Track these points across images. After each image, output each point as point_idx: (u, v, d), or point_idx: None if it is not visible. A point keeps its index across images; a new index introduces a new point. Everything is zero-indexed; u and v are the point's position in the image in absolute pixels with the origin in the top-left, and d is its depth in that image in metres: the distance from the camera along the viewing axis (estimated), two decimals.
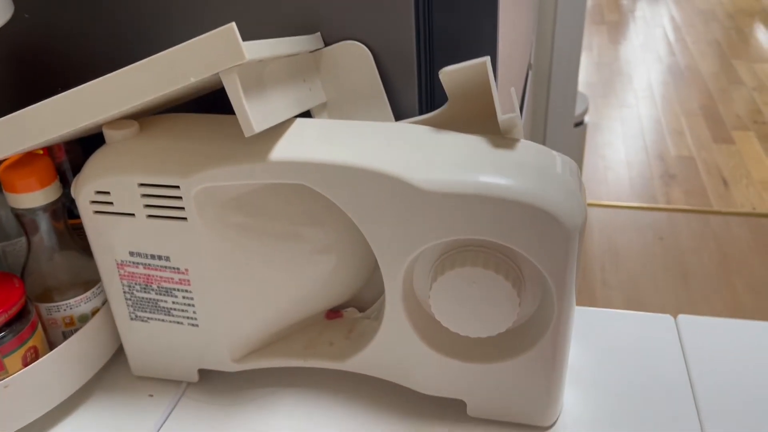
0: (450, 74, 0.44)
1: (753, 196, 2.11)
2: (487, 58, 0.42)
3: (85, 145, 0.57)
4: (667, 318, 0.58)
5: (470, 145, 0.44)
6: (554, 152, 0.45)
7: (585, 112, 1.98)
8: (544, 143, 1.85)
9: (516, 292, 0.43)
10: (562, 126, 1.83)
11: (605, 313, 0.59)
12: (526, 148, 0.44)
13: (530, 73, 1.18)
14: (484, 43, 0.52)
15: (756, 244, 1.92)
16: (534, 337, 0.46)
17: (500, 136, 0.45)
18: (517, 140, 0.44)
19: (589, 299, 1.72)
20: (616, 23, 3.68)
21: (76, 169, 0.57)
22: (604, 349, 0.55)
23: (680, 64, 3.12)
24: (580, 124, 1.97)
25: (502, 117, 0.42)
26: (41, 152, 0.54)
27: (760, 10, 3.75)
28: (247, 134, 0.40)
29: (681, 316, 0.59)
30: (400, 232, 0.43)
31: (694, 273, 1.83)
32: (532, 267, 0.44)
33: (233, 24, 0.38)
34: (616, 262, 1.87)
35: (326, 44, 0.53)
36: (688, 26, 3.58)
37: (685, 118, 2.62)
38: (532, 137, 1.78)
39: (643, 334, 0.57)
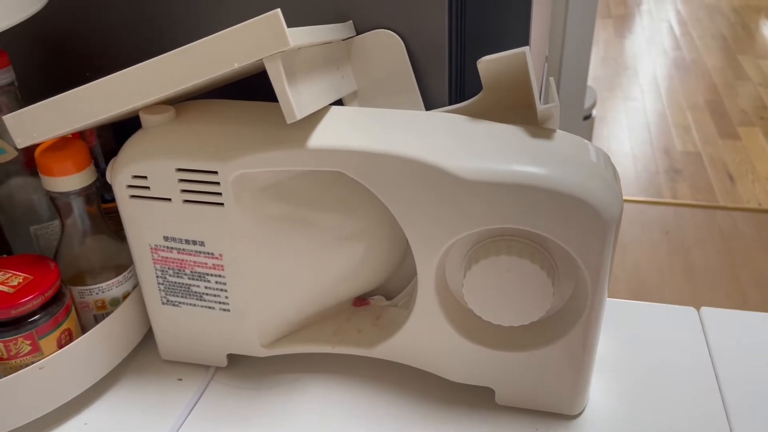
0: (488, 64, 0.44)
1: (759, 191, 2.12)
2: (527, 49, 0.42)
3: (116, 130, 0.58)
4: (691, 310, 0.59)
5: (507, 134, 0.45)
6: (589, 143, 0.45)
7: (593, 105, 1.98)
8: None
9: (550, 281, 0.43)
10: (572, 119, 1.83)
11: (629, 305, 0.59)
12: (562, 138, 0.44)
13: (546, 65, 1.18)
14: (517, 33, 0.52)
15: (761, 240, 1.93)
16: (566, 326, 0.46)
17: (536, 126, 0.45)
18: (553, 130, 0.45)
19: None
20: (623, 17, 3.67)
21: (108, 153, 0.57)
22: (628, 340, 0.56)
23: (686, 59, 3.12)
24: (588, 117, 1.97)
25: (541, 107, 0.43)
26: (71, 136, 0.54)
27: (766, 5, 3.75)
28: (289, 120, 0.40)
29: (704, 309, 0.59)
30: (436, 220, 0.43)
31: (700, 267, 1.83)
32: (566, 256, 0.44)
33: (278, 10, 0.38)
34: (623, 255, 1.87)
35: (358, 33, 0.54)
36: (693, 21, 3.57)
37: (691, 112, 2.62)
38: None
39: (666, 325, 0.57)
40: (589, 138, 2.03)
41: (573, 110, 1.83)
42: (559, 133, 0.45)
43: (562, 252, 0.44)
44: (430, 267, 0.46)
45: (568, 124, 1.83)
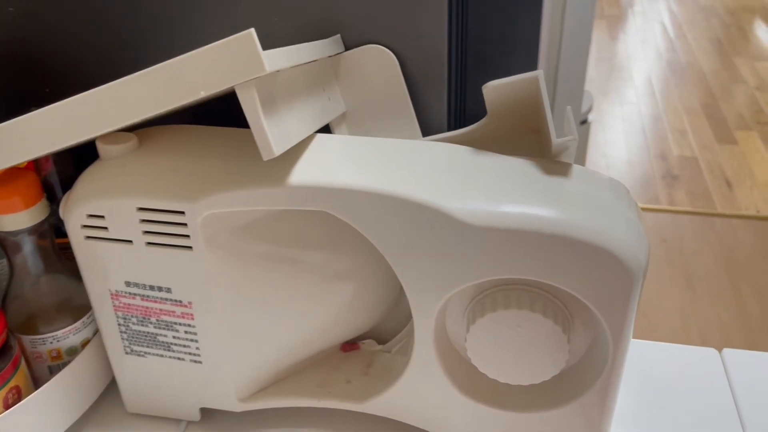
0: (495, 89, 0.39)
1: (757, 198, 2.07)
2: (540, 73, 0.37)
3: (76, 154, 0.51)
4: (712, 352, 0.54)
5: (516, 170, 0.39)
6: (608, 177, 0.40)
7: (589, 110, 1.93)
8: None
9: (566, 337, 0.38)
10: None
11: (646, 345, 0.54)
12: (579, 174, 0.39)
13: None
14: (525, 51, 0.47)
15: (761, 248, 1.89)
16: (582, 386, 0.41)
17: (549, 160, 0.40)
18: (569, 165, 0.39)
19: None
20: (616, 17, 3.63)
21: (66, 181, 0.51)
22: (647, 383, 0.51)
23: (681, 61, 3.07)
24: (584, 122, 1.92)
25: (556, 141, 0.37)
26: (23, 165, 0.48)
27: (761, 7, 3.71)
28: (266, 158, 0.35)
29: (726, 350, 0.54)
30: (435, 268, 0.38)
31: (699, 276, 1.79)
32: (582, 306, 0.39)
33: (252, 30, 0.32)
34: None
35: (347, 48, 0.48)
36: (688, 22, 3.53)
37: (687, 116, 2.58)
38: None
39: (686, 367, 0.52)
40: (585, 143, 1.97)
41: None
42: (576, 169, 0.39)
43: (578, 301, 0.39)
44: (429, 318, 0.40)
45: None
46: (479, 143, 0.43)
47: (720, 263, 1.84)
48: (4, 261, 0.47)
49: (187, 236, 0.39)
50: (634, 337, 0.55)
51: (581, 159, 1.99)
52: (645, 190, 2.14)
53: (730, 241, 1.92)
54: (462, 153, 0.41)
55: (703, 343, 1.58)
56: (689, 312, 1.67)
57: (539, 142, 0.43)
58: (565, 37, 1.66)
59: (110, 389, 0.50)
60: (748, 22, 3.51)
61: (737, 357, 0.53)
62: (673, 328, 1.62)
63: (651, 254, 1.87)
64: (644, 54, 3.17)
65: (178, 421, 0.49)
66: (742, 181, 2.16)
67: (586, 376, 0.41)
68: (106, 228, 0.40)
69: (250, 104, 0.34)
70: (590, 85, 2.86)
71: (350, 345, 0.50)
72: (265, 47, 0.33)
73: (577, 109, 1.78)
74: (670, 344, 0.54)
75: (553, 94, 1.74)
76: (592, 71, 3.01)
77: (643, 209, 2.05)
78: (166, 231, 0.40)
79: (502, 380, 0.40)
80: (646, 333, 1.59)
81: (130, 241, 0.41)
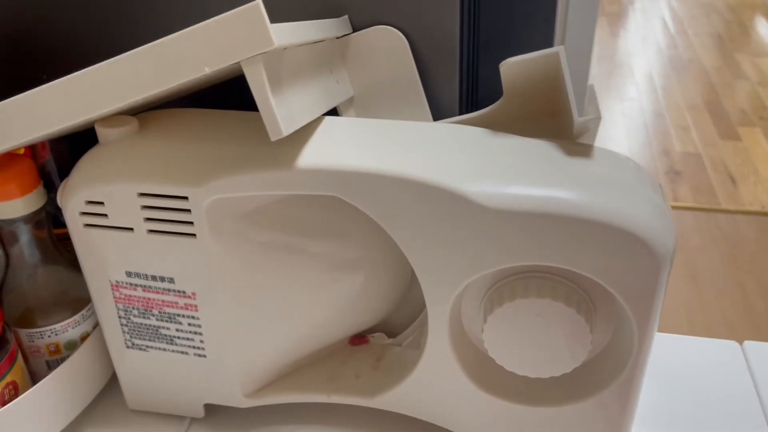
0: (513, 66, 0.37)
1: (762, 193, 2.06)
2: (561, 48, 0.35)
3: (73, 142, 0.50)
4: (733, 344, 0.52)
5: (536, 151, 0.37)
6: (631, 159, 0.38)
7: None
8: None
9: (588, 327, 0.36)
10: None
11: (666, 338, 0.52)
12: (603, 156, 0.37)
13: None
14: (539, 31, 0.45)
15: (765, 243, 1.87)
16: (604, 379, 0.39)
17: (570, 142, 0.38)
18: (590, 146, 0.38)
19: None
20: (617, 14, 3.61)
21: (63, 169, 0.50)
22: (668, 377, 0.49)
23: (682, 57, 3.06)
24: None
25: (578, 120, 0.35)
26: (21, 152, 0.46)
27: (762, 2, 3.70)
28: (273, 138, 0.33)
29: (747, 343, 0.52)
30: (451, 255, 0.36)
31: (703, 274, 1.77)
32: (605, 294, 0.37)
33: (259, 2, 0.31)
34: None
35: (354, 29, 0.46)
36: (689, 18, 3.52)
37: (689, 113, 2.56)
38: None
39: (708, 360, 0.50)
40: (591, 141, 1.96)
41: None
42: (598, 150, 0.37)
43: (601, 289, 0.37)
44: (444, 308, 0.38)
45: None
46: (494, 126, 0.42)
47: (724, 259, 1.82)
48: (1, 252, 0.46)
49: (191, 223, 0.38)
50: None
51: None
52: None
53: (735, 236, 1.90)
54: (478, 134, 0.39)
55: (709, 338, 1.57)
56: (694, 308, 1.66)
57: (557, 125, 0.41)
58: (569, 34, 1.64)
59: (111, 385, 0.48)
60: (749, 18, 3.49)
61: (759, 349, 0.51)
62: (678, 324, 1.60)
63: None
64: (645, 50, 3.16)
65: (181, 417, 0.47)
66: (746, 177, 2.14)
67: (608, 369, 0.39)
68: (105, 215, 0.39)
69: (257, 81, 0.32)
70: (591, 81, 2.84)
71: (359, 338, 0.48)
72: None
73: (580, 105, 1.77)
74: (689, 336, 0.52)
75: None
76: (594, 68, 2.99)
77: None
78: (169, 218, 0.38)
79: (520, 373, 0.39)
80: None
81: (131, 229, 0.39)
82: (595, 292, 0.37)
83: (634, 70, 2.95)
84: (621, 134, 2.43)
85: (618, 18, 3.56)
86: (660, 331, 0.46)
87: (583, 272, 0.35)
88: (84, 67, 0.33)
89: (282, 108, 0.34)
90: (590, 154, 0.37)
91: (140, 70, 0.33)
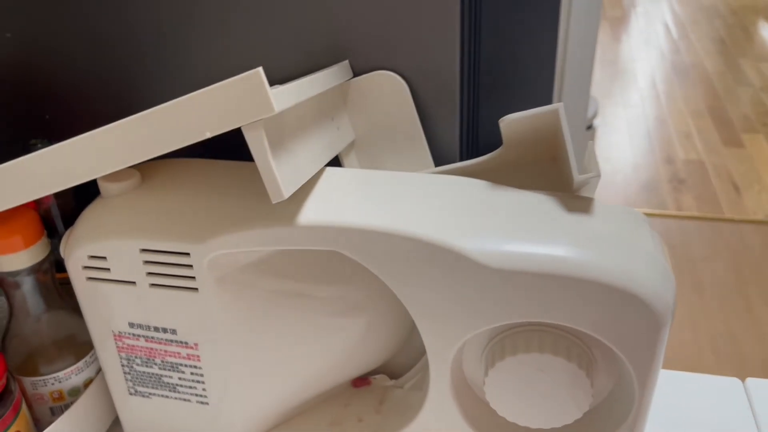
0: (512, 123, 0.37)
1: (765, 202, 2.05)
2: (560, 106, 0.35)
3: (76, 187, 0.50)
4: (735, 381, 0.52)
5: (536, 207, 0.37)
6: (633, 211, 0.38)
7: (595, 115, 1.91)
8: None
9: (590, 382, 0.36)
10: (575, 130, 1.76)
11: (667, 375, 0.52)
12: (604, 211, 0.37)
13: None
14: (540, 78, 0.45)
15: None
16: (608, 427, 0.39)
17: (571, 195, 0.38)
18: (590, 200, 0.38)
19: None
20: (619, 19, 3.61)
21: (67, 214, 0.50)
22: (668, 415, 0.49)
23: (685, 62, 3.05)
24: (590, 127, 1.91)
25: (578, 177, 0.35)
26: None
27: (764, 7, 3.69)
28: (275, 200, 0.33)
29: (749, 380, 0.52)
30: (451, 311, 0.36)
31: (707, 284, 1.77)
32: (606, 346, 0.37)
33: (260, 69, 0.31)
34: None
35: (355, 74, 0.46)
36: (691, 23, 3.51)
37: (693, 119, 2.56)
38: None
39: (709, 398, 0.50)
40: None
41: (576, 120, 1.77)
42: (600, 205, 0.37)
43: (602, 343, 0.37)
44: (445, 363, 0.38)
45: (571, 135, 1.76)
46: (494, 173, 0.42)
47: (728, 269, 1.82)
48: (3, 299, 0.46)
49: (193, 278, 0.38)
50: None
51: None
52: (652, 195, 2.12)
53: (739, 246, 1.90)
54: (478, 188, 0.39)
55: (713, 350, 1.56)
56: (698, 318, 1.66)
57: (556, 169, 0.41)
58: (570, 42, 1.64)
59: (113, 430, 0.49)
60: (752, 23, 3.49)
61: (760, 386, 0.51)
62: (682, 337, 1.60)
63: None
64: (647, 55, 3.15)
65: None
66: (750, 185, 2.14)
67: (610, 420, 0.39)
68: (108, 269, 0.39)
69: (257, 145, 0.32)
70: (594, 87, 2.84)
71: (361, 380, 0.48)
72: (272, 74, 0.31)
73: (583, 115, 1.77)
74: (691, 373, 0.52)
75: (559, 99, 1.72)
76: (596, 73, 2.99)
77: (650, 215, 2.03)
78: (171, 273, 0.38)
79: (522, 424, 0.39)
80: None
81: (134, 283, 0.39)
82: (597, 345, 0.37)
83: (637, 75, 2.95)
84: (624, 141, 2.43)
85: (620, 22, 3.56)
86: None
87: (584, 329, 0.35)
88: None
89: (284, 169, 0.34)
90: (590, 209, 0.37)
91: (143, 135, 0.33)
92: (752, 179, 2.16)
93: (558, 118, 0.35)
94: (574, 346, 0.37)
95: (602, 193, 2.12)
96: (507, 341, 0.37)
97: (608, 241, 0.35)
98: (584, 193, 0.38)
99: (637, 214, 0.38)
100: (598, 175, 0.35)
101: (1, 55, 0.50)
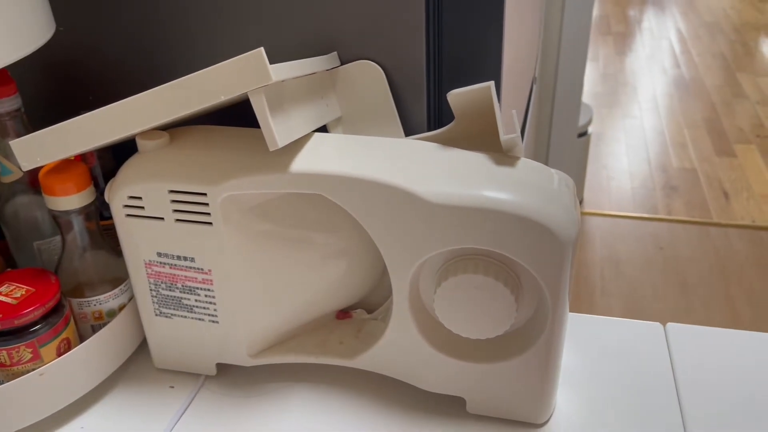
0: (457, 96, 0.48)
1: (753, 208, 2.15)
2: (491, 83, 0.46)
3: (115, 152, 0.61)
4: (657, 326, 0.62)
5: (474, 161, 0.48)
6: (552, 170, 0.49)
7: (589, 122, 2.01)
8: (547, 153, 1.89)
9: (514, 298, 0.47)
10: (566, 136, 1.87)
11: (598, 320, 0.63)
12: (525, 165, 0.48)
13: (534, 86, 1.22)
14: (489, 65, 0.56)
15: (755, 257, 1.96)
16: (530, 340, 0.49)
17: (502, 154, 0.49)
18: (517, 158, 0.48)
19: (588, 306, 1.75)
20: (623, 34, 3.71)
21: (107, 174, 0.61)
22: (596, 353, 0.59)
23: (685, 77, 3.15)
24: (584, 134, 2.01)
25: (504, 137, 0.46)
26: (73, 158, 0.58)
27: (766, 23, 3.79)
28: (271, 149, 0.44)
29: (670, 324, 0.62)
30: (407, 240, 0.47)
31: (693, 283, 1.86)
32: (529, 275, 0.48)
33: (262, 49, 0.42)
34: (616, 271, 1.90)
35: (342, 63, 0.57)
36: (694, 38, 3.61)
37: (688, 130, 2.66)
38: (537, 147, 1.82)
39: (633, 340, 0.61)
40: (585, 155, 2.06)
41: (567, 128, 1.87)
42: (523, 161, 0.48)
43: (526, 270, 0.47)
44: (404, 283, 0.49)
45: (562, 141, 1.86)
46: (449, 142, 0.53)
47: (714, 270, 1.91)
48: (58, 237, 0.57)
49: (208, 214, 0.49)
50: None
51: (581, 169, 2.08)
52: (644, 200, 2.21)
53: (725, 249, 1.99)
54: (432, 148, 0.50)
55: None
56: (682, 316, 1.75)
57: (497, 139, 0.52)
58: (563, 51, 1.75)
59: (141, 349, 0.59)
60: (753, 39, 3.58)
61: (679, 330, 0.61)
62: None
63: (647, 261, 1.95)
64: (649, 70, 3.26)
65: (197, 375, 0.58)
66: (739, 193, 2.23)
67: (532, 333, 0.49)
68: (143, 207, 0.50)
69: (259, 106, 0.43)
70: (596, 99, 2.94)
71: (344, 313, 0.59)
72: (272, 61, 0.42)
73: (574, 122, 1.87)
74: (619, 318, 0.62)
75: (551, 107, 1.82)
76: (599, 86, 3.09)
77: (641, 218, 2.13)
78: (192, 209, 0.49)
79: (463, 335, 0.49)
80: None
81: (162, 218, 0.50)
82: (523, 273, 0.48)
83: (638, 90, 3.05)
84: (621, 150, 2.53)
85: (624, 38, 3.67)
86: None
87: (507, 254, 0.45)
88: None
89: (279, 126, 0.45)
90: (515, 164, 0.48)
91: (173, 97, 0.44)
92: (742, 187, 2.26)
93: (489, 93, 0.46)
94: (502, 271, 0.47)
95: (595, 198, 2.22)
96: (451, 267, 0.48)
97: (526, 186, 0.46)
98: (515, 153, 0.49)
99: (563, 175, 0.49)
100: (518, 135, 0.46)
101: (55, 46, 0.62)
